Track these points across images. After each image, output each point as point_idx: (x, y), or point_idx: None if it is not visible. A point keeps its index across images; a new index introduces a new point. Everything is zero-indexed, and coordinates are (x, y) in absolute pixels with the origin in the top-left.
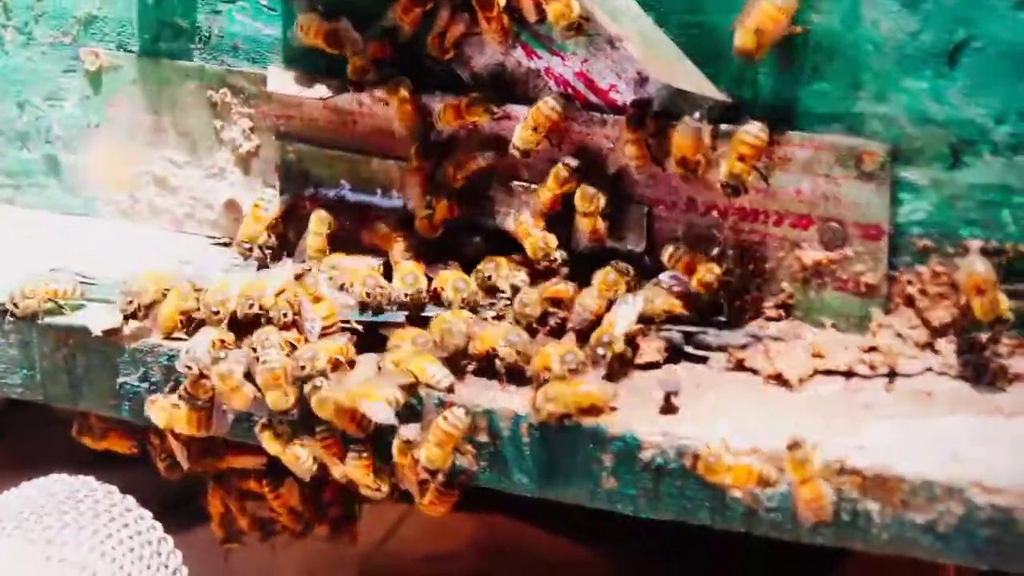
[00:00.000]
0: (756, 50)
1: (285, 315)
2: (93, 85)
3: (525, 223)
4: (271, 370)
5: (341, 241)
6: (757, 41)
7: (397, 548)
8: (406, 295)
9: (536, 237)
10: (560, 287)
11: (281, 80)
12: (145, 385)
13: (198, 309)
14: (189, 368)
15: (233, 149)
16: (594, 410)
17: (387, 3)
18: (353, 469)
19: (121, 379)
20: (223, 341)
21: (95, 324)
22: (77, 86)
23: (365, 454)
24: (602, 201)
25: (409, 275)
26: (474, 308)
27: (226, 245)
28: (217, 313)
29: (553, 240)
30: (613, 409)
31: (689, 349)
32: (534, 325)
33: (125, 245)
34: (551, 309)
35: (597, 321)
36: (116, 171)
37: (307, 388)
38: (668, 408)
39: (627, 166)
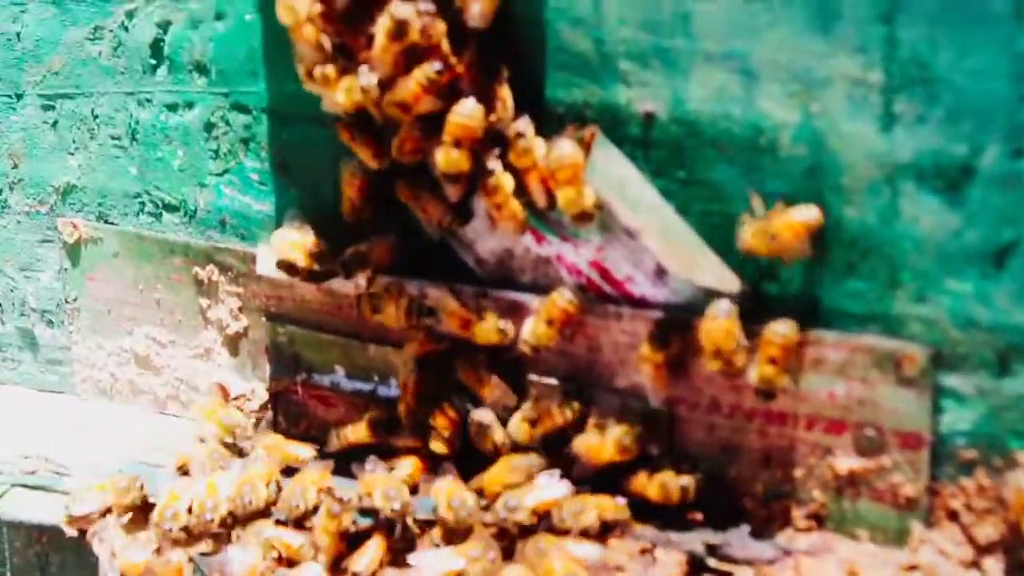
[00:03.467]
0: (763, 254)
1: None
2: (71, 257)
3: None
4: None
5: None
6: (768, 247)
7: None
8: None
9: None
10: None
11: (272, 259)
12: None
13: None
14: None
15: (220, 329)
16: None
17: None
18: None
19: None
20: None
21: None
22: (54, 257)
23: None
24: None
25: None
26: None
27: None
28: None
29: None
30: None
31: (712, 563)
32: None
33: (104, 427)
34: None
35: None
36: (95, 347)
37: None
38: None
39: (642, 384)
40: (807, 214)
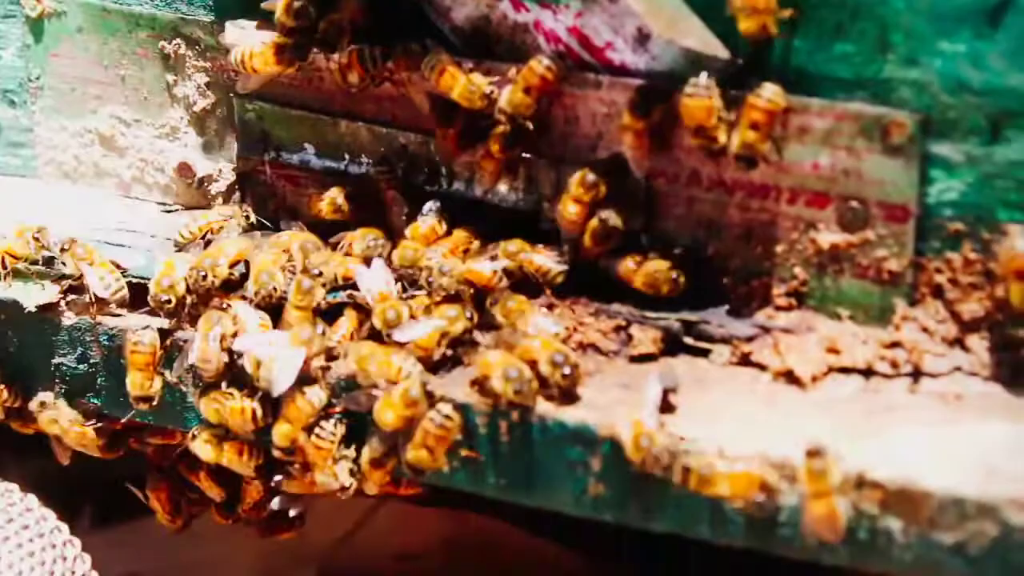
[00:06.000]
0: (762, 30)
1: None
2: (34, 33)
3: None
4: None
5: None
6: (761, 22)
7: (365, 544)
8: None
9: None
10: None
11: (240, 31)
12: (83, 366)
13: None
14: None
15: (187, 107)
16: None
17: None
18: None
19: (57, 360)
20: None
21: (29, 299)
22: (16, 33)
23: None
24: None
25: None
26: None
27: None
28: None
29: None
30: None
31: (689, 340)
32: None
33: (67, 210)
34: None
35: None
36: (58, 128)
37: None
38: (665, 407)
39: (623, 153)
40: None
